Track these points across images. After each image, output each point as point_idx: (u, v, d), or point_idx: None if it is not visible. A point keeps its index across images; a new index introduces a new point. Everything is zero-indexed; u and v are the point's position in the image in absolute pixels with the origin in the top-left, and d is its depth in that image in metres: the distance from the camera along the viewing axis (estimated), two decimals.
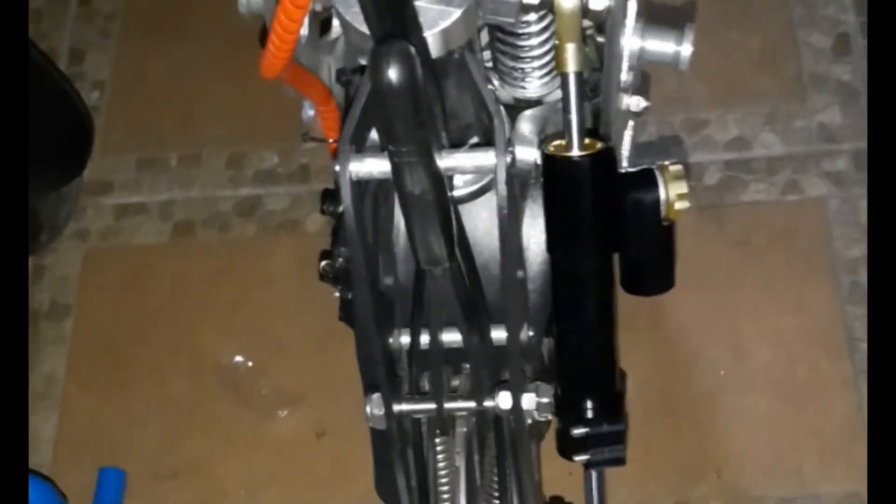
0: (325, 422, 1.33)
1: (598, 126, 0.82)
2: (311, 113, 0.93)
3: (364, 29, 0.66)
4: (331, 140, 0.96)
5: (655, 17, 0.82)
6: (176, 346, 1.39)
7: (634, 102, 0.80)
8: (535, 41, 0.81)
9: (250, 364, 1.36)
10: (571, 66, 0.70)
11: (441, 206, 0.66)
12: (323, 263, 0.95)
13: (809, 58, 1.49)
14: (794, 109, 1.46)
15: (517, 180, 0.74)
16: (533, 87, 0.85)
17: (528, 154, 0.76)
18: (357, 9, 0.66)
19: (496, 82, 0.86)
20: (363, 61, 0.80)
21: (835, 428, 1.27)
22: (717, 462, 1.27)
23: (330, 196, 1.01)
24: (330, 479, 1.30)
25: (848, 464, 1.25)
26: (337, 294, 0.94)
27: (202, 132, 1.53)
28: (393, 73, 0.57)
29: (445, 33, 0.68)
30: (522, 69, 0.84)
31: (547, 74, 0.84)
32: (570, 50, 0.70)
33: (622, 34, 0.76)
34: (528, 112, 0.83)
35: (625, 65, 0.77)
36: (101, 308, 1.42)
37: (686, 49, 0.77)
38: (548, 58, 0.83)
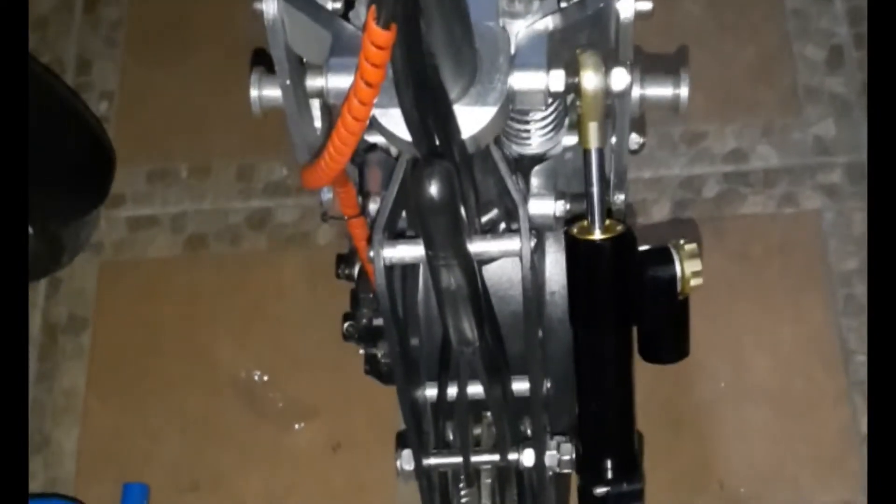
0: (340, 435, 1.38)
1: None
2: (329, 195, 0.97)
3: (406, 137, 0.69)
4: (347, 217, 1.00)
5: (650, 65, 0.86)
6: (192, 358, 1.43)
7: (633, 140, 0.84)
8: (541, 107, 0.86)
9: (266, 378, 1.41)
10: (594, 143, 0.74)
11: (474, 297, 0.71)
12: (346, 325, 1.03)
13: (804, 70, 1.53)
14: (790, 122, 1.50)
15: (537, 233, 0.78)
16: (537, 144, 0.87)
17: (546, 207, 0.81)
18: (398, 118, 0.68)
19: (503, 140, 0.90)
20: (371, 139, 0.84)
21: (830, 438, 1.33)
22: (718, 473, 1.32)
23: (343, 260, 1.07)
24: (346, 492, 1.35)
25: (843, 474, 1.31)
26: (362, 351, 0.99)
27: (211, 143, 1.56)
28: (434, 192, 0.62)
29: (482, 132, 0.71)
30: (528, 130, 0.87)
31: (550, 132, 0.88)
32: (593, 128, 0.73)
33: (629, 106, 0.79)
34: (538, 168, 0.87)
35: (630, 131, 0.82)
36: (117, 321, 1.46)
37: (684, 92, 0.80)
38: (551, 119, 0.87)
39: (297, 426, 1.38)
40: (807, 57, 1.54)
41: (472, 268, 0.70)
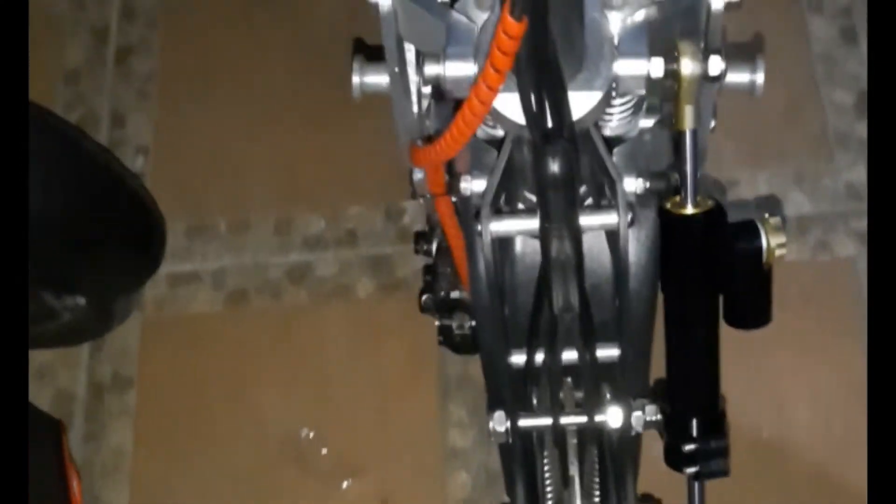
0: (388, 490, 1.40)
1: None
2: (420, 175, 1.03)
3: (519, 120, 0.75)
4: (435, 195, 1.05)
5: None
6: (237, 415, 1.45)
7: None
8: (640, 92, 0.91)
9: (312, 434, 1.43)
10: (689, 125, 0.79)
11: (579, 266, 0.79)
12: (424, 297, 1.16)
13: (833, 115, 1.55)
14: (821, 168, 1.52)
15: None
16: (616, 125, 0.92)
17: (629, 185, 0.87)
18: (510, 102, 0.75)
19: None
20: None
21: None
22: None
23: (422, 237, 1.21)
24: None
25: None
26: (437, 323, 1.13)
27: (248, 195, 1.58)
28: (557, 169, 0.70)
29: (589, 115, 0.78)
30: (611, 113, 0.92)
31: (629, 115, 0.92)
32: (689, 111, 0.79)
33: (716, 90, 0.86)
34: (618, 148, 0.92)
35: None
36: (162, 379, 1.48)
37: (760, 77, 0.87)
38: (628, 102, 0.90)
39: (344, 483, 1.40)
40: (835, 102, 1.56)
41: (580, 239, 0.77)
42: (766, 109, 1.56)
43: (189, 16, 1.70)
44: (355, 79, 0.90)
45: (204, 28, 1.69)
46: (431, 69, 0.78)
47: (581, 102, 0.76)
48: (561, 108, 0.73)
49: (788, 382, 1.41)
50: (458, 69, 0.76)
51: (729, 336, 1.37)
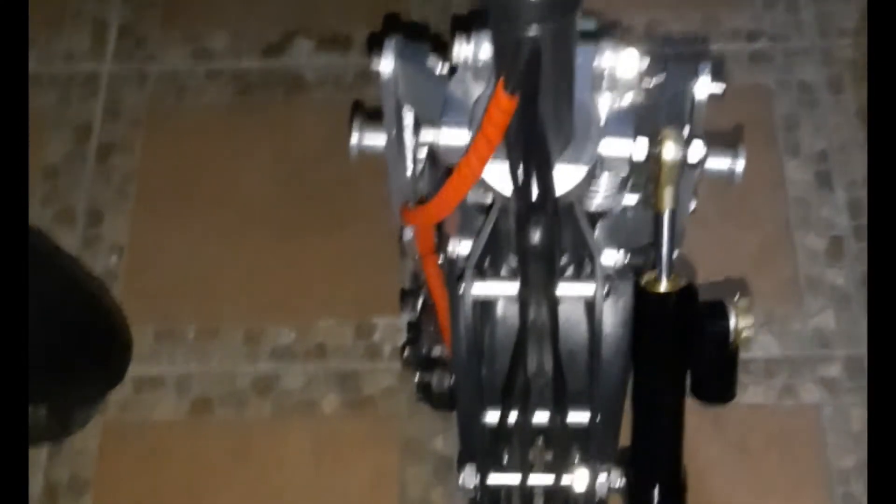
0: None
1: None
2: (410, 235, 1.06)
3: (506, 191, 0.79)
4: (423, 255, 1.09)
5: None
6: None
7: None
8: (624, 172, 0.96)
9: None
10: (668, 205, 0.84)
11: (554, 333, 0.81)
12: (406, 352, 1.17)
13: (805, 259, 1.57)
14: (791, 312, 1.53)
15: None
16: (598, 202, 0.94)
17: (609, 259, 0.91)
18: (499, 173, 0.79)
19: None
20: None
21: None
22: None
23: (409, 294, 1.22)
24: None
25: None
26: (416, 379, 1.12)
27: (219, 305, 1.57)
28: (537, 239, 0.73)
29: (573, 190, 0.81)
30: (595, 189, 0.95)
31: (610, 193, 0.95)
32: (669, 193, 0.84)
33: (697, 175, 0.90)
34: (601, 222, 0.95)
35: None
36: (119, 485, 1.46)
37: (740, 165, 0.90)
38: (612, 181, 0.94)
39: None
40: (807, 246, 1.58)
41: (556, 307, 0.80)
42: (739, 250, 1.58)
43: (173, 119, 1.71)
44: (354, 138, 0.94)
45: (187, 132, 1.70)
46: (427, 135, 0.82)
47: (566, 177, 0.80)
48: (546, 181, 0.77)
49: None
50: (453, 137, 0.81)
51: (689, 472, 1.38)
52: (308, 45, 1.77)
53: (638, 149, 0.81)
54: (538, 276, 0.77)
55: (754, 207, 1.61)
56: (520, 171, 0.76)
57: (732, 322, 0.92)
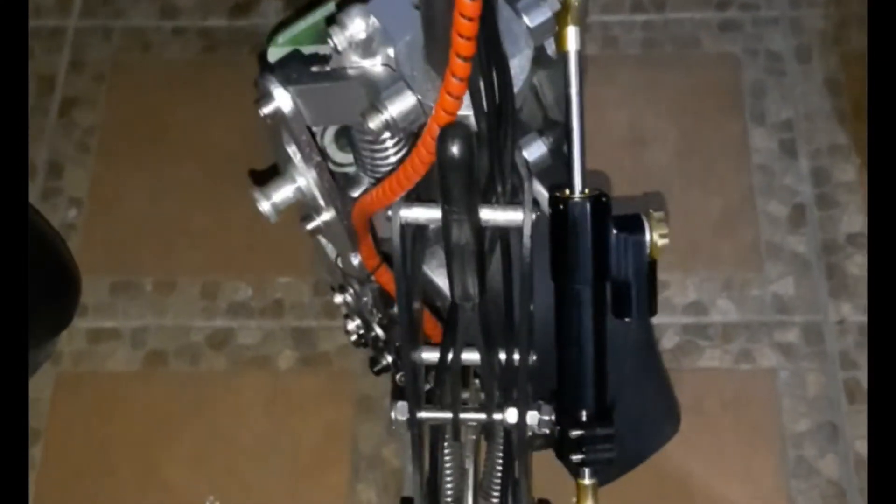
0: None
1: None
2: (358, 259, 1.08)
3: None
4: (372, 269, 1.11)
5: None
6: (144, 481, 1.42)
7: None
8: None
9: None
10: (574, 46, 0.88)
11: (479, 254, 0.81)
12: (355, 335, 1.23)
13: (767, 226, 1.56)
14: (750, 277, 1.53)
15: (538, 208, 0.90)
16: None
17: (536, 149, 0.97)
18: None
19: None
20: None
21: None
22: None
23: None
24: None
25: None
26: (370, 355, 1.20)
27: (178, 259, 1.56)
28: (455, 150, 0.72)
29: (530, 76, 0.86)
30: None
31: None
32: (573, 32, 0.88)
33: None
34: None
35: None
36: (70, 436, 1.45)
37: None
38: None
39: None
40: (770, 213, 1.57)
41: (479, 227, 0.80)
42: (702, 216, 1.57)
43: (137, 73, 1.70)
44: (264, 206, 1.00)
45: (151, 87, 1.68)
46: (377, 120, 0.85)
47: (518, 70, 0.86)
48: (507, 81, 0.81)
49: (701, 491, 1.40)
50: (401, 104, 0.85)
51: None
52: (276, 6, 1.76)
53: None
54: (458, 191, 0.76)
55: (719, 173, 1.61)
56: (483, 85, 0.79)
57: (648, 233, 0.92)
